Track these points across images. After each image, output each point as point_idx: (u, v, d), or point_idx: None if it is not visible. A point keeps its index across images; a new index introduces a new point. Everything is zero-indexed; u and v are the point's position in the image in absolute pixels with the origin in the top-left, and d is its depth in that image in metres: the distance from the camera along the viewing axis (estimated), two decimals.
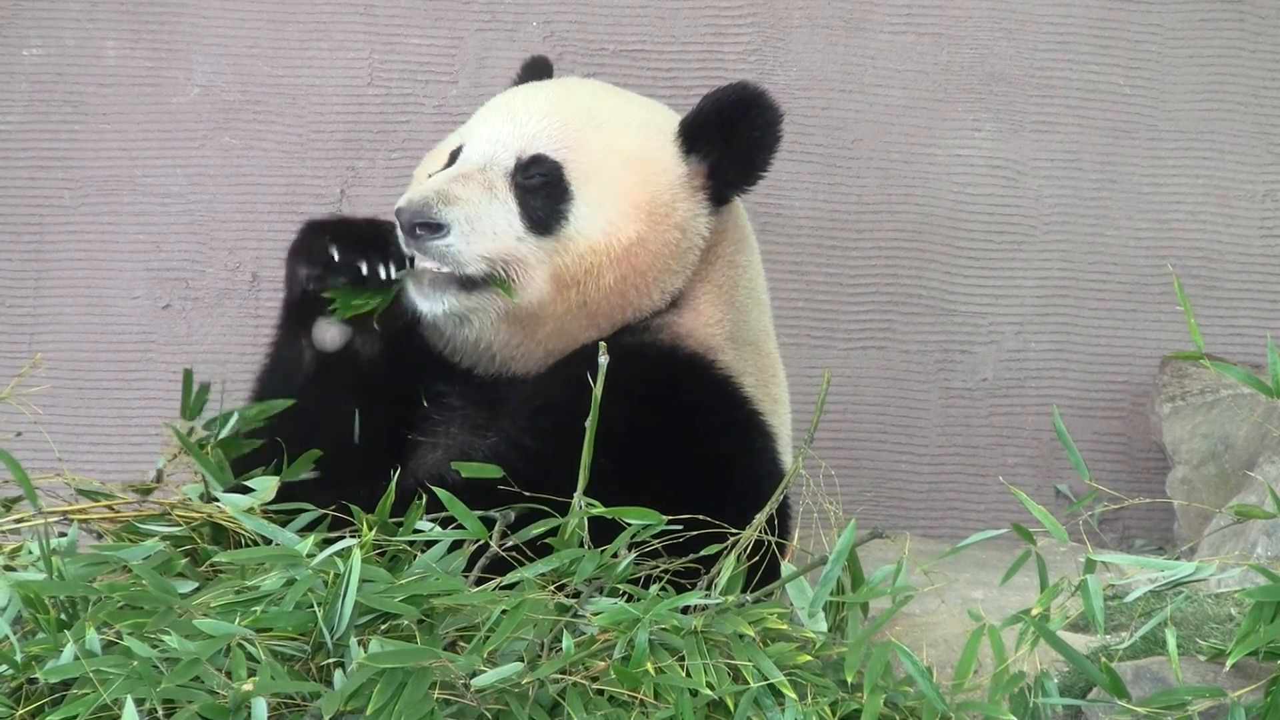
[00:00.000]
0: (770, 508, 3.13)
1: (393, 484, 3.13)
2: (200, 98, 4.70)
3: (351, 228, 3.55)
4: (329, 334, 3.52)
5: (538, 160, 3.56)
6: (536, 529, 3.06)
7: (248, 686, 2.61)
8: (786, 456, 3.65)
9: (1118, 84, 4.81)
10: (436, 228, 3.44)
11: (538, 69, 4.06)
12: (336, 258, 3.47)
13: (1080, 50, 4.81)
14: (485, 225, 3.48)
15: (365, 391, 3.55)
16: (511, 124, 3.60)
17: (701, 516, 3.05)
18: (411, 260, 3.51)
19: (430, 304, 3.50)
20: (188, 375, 3.45)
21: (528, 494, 3.11)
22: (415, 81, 4.73)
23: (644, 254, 3.55)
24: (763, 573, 3.11)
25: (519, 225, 3.51)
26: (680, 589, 2.97)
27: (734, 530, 3.05)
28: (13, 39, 4.68)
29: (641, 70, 4.73)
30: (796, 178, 4.74)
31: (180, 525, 3.11)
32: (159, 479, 3.36)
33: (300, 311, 3.55)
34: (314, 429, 3.48)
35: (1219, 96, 4.82)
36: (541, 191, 3.54)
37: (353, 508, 3.05)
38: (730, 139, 3.61)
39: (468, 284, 3.50)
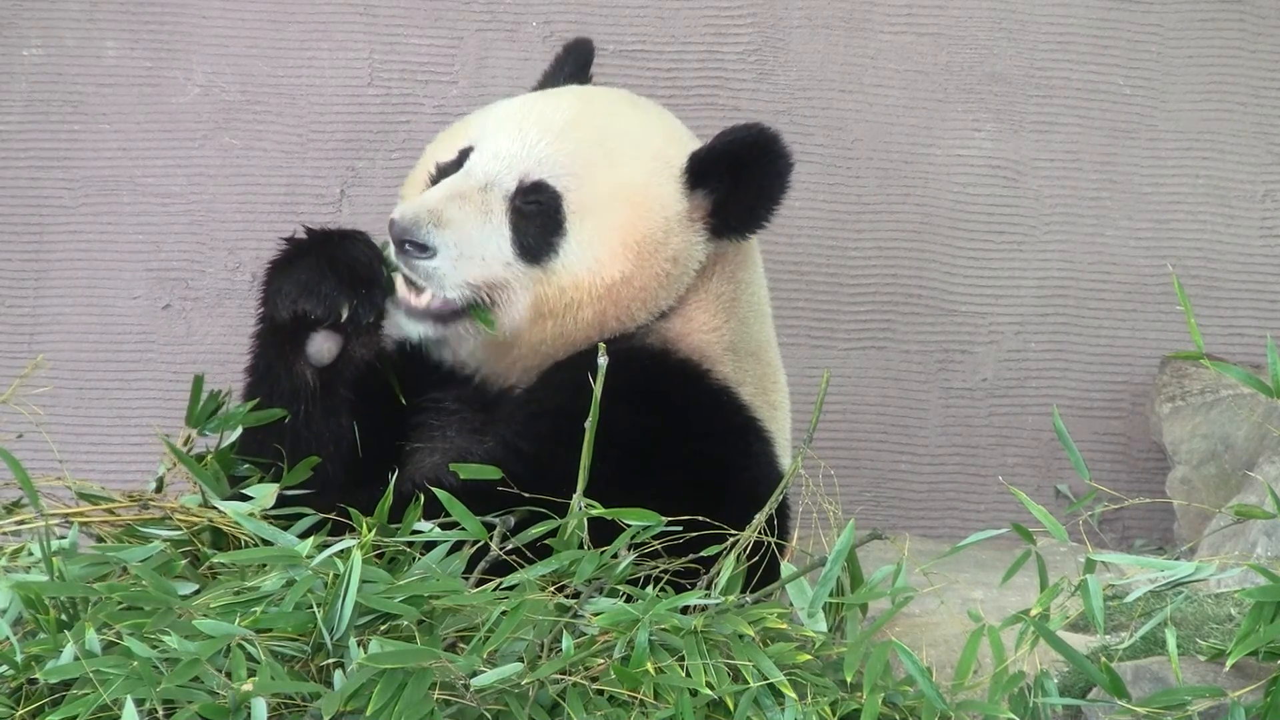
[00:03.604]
0: (769, 508, 3.13)
1: (391, 486, 3.13)
2: (200, 98, 4.70)
3: (355, 270, 3.44)
4: (325, 346, 3.44)
5: (539, 188, 3.53)
6: (536, 530, 3.06)
7: (248, 687, 2.61)
8: (785, 461, 3.64)
9: (1118, 84, 4.81)
10: (424, 248, 3.43)
11: (579, 52, 3.97)
12: (345, 315, 3.40)
13: (1080, 50, 4.81)
14: (474, 250, 3.47)
15: (362, 397, 3.54)
16: (521, 143, 3.55)
17: (699, 518, 3.05)
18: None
19: (409, 327, 3.50)
20: (197, 381, 3.39)
21: (525, 496, 3.11)
22: (415, 81, 4.73)
23: (627, 290, 3.52)
24: (762, 573, 3.11)
25: (509, 251, 3.50)
26: (680, 589, 2.98)
27: (733, 531, 3.05)
28: (13, 39, 4.68)
29: (641, 70, 4.72)
30: (796, 178, 4.66)
31: (180, 529, 3.11)
32: (159, 488, 3.34)
33: (292, 331, 3.45)
34: (322, 447, 3.46)
35: (1219, 96, 4.82)
36: (537, 220, 3.51)
37: (351, 510, 3.05)
38: (738, 179, 3.56)
39: (445, 317, 3.48)
